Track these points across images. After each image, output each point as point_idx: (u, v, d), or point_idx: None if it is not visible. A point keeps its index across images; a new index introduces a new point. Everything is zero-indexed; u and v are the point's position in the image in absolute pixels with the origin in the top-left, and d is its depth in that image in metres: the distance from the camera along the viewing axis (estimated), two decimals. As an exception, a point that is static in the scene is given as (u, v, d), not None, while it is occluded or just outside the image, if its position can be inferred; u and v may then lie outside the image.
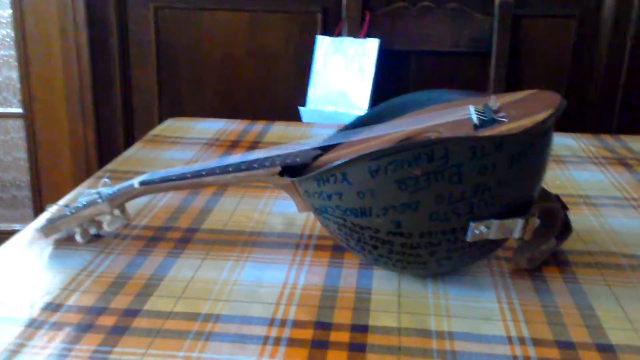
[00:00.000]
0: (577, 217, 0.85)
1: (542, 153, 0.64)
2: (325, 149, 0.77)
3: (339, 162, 0.62)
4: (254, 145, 1.14)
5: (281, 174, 0.71)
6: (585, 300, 0.66)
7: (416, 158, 0.59)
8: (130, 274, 0.69)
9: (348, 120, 0.81)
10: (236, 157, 0.74)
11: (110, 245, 0.76)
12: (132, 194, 0.75)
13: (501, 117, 0.66)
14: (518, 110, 0.67)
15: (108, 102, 2.02)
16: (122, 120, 2.03)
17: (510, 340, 0.59)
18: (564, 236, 0.74)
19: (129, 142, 1.98)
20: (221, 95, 2.00)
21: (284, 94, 1.96)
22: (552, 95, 0.68)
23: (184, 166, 0.76)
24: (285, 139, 1.18)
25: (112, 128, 2.04)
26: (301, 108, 1.79)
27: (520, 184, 0.63)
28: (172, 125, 1.27)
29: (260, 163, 0.71)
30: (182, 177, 0.73)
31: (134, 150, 1.11)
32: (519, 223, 0.63)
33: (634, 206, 0.89)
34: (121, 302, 0.64)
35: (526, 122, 0.62)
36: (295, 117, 1.78)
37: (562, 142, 1.17)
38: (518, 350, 0.58)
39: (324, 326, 0.61)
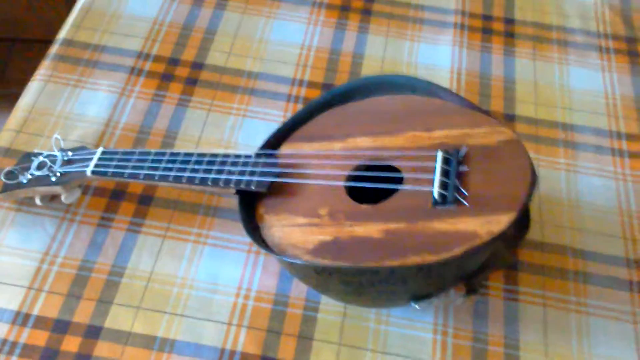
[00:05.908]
0: (548, 169, 0.83)
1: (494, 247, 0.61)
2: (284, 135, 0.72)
3: (279, 257, 0.60)
4: (193, 78, 0.88)
5: (237, 191, 0.68)
6: (515, 333, 0.71)
7: (361, 272, 0.58)
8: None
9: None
10: (190, 157, 0.70)
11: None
12: (84, 181, 0.73)
13: (463, 193, 0.61)
14: (483, 184, 0.61)
15: None
16: None
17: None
18: (521, 235, 0.74)
19: None
20: None
21: None
22: (522, 164, 0.61)
23: (140, 153, 0.72)
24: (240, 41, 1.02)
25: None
26: None
27: (468, 270, 0.62)
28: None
29: (215, 181, 0.68)
30: (134, 176, 0.70)
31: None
32: (460, 298, 0.64)
33: (615, 159, 0.85)
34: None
35: (482, 229, 0.58)
36: None
37: None
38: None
39: (268, 365, 0.68)
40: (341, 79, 0.91)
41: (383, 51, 0.95)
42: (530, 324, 0.71)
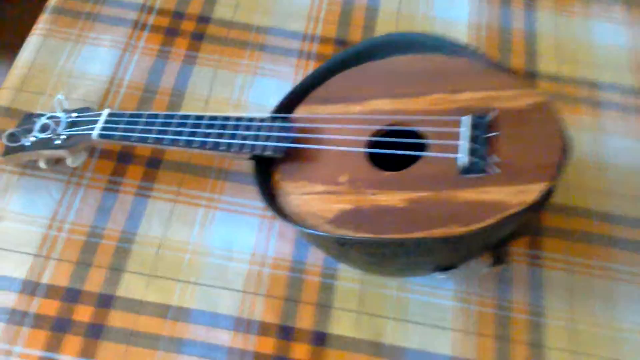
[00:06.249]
0: (573, 129, 0.80)
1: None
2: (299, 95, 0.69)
3: (297, 227, 0.57)
4: (199, 32, 0.84)
5: (252, 157, 0.65)
6: (540, 299, 0.69)
7: (385, 245, 0.55)
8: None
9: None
10: (200, 120, 0.66)
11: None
12: (90, 144, 0.70)
13: (492, 160, 0.58)
14: (513, 151, 0.58)
15: None
16: None
17: None
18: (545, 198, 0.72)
19: None
20: None
21: None
22: (554, 129, 0.58)
23: (149, 115, 0.68)
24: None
25: None
26: None
27: (496, 240, 0.60)
28: None
29: (227, 146, 0.64)
30: (142, 140, 0.67)
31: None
32: (485, 268, 0.62)
33: None
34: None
35: (513, 199, 0.55)
36: None
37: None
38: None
39: (286, 334, 0.66)
40: (355, 33, 0.87)
41: (398, 3, 0.90)
42: (555, 290, 0.69)
